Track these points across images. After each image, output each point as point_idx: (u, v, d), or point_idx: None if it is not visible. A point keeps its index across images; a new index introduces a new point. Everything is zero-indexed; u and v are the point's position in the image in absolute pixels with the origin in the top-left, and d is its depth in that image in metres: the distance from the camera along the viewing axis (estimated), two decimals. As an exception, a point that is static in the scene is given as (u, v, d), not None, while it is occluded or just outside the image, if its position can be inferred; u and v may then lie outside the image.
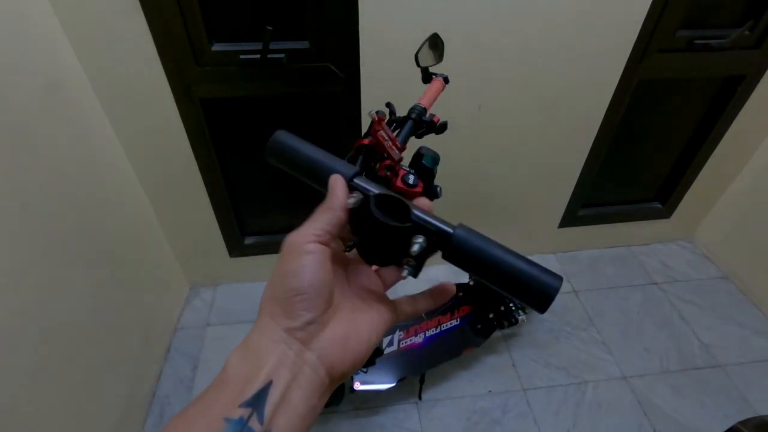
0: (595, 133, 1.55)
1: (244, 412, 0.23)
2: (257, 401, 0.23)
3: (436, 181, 0.80)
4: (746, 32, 1.35)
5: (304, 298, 0.27)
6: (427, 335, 1.41)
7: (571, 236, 1.92)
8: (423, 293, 0.35)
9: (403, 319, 0.33)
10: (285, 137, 0.37)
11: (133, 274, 1.37)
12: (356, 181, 0.34)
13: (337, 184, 0.32)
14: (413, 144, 0.82)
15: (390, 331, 1.40)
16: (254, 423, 0.23)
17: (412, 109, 0.89)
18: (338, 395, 1.34)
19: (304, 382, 0.25)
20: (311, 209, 0.32)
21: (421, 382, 1.44)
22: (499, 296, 1.43)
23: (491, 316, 1.43)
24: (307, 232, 0.29)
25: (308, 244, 0.29)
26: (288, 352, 0.26)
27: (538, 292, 0.29)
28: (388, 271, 0.35)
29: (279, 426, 0.23)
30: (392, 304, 0.33)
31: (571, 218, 1.84)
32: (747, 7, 1.33)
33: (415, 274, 0.32)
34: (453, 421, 1.40)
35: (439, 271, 1.29)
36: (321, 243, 0.29)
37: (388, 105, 0.95)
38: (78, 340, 1.07)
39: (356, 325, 0.30)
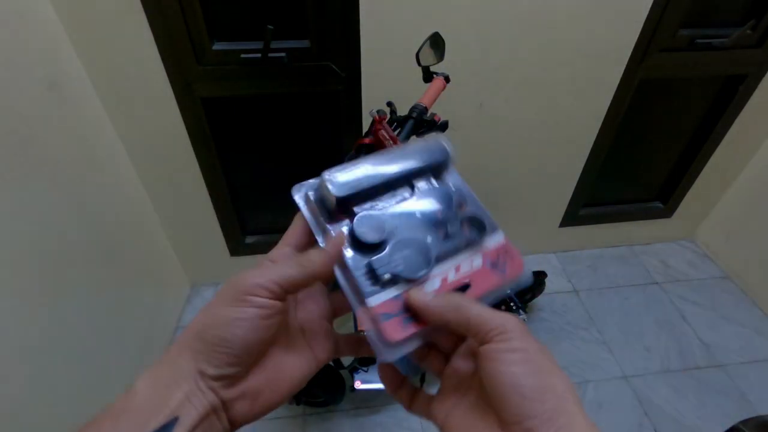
0: (597, 132, 1.54)
1: None
2: None
3: (437, 181, 0.80)
4: (748, 31, 1.34)
5: (231, 353, 0.24)
6: (427, 334, 1.41)
7: (572, 235, 1.92)
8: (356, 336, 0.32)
9: (341, 357, 0.30)
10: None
11: (134, 273, 1.37)
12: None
13: (336, 247, 0.27)
14: (414, 143, 0.82)
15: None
16: None
17: (413, 108, 0.89)
18: (339, 395, 1.34)
19: (207, 425, 0.24)
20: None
21: (422, 381, 1.44)
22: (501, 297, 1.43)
23: (492, 315, 1.43)
24: (264, 279, 0.25)
25: (257, 298, 0.24)
26: (197, 392, 0.24)
27: None
28: (341, 298, 0.30)
29: None
30: (332, 341, 0.30)
31: (572, 217, 1.84)
32: (748, 6, 1.33)
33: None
34: (453, 420, 1.40)
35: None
36: (274, 299, 0.25)
37: (389, 104, 0.95)
38: (79, 339, 1.07)
39: (278, 373, 0.27)
